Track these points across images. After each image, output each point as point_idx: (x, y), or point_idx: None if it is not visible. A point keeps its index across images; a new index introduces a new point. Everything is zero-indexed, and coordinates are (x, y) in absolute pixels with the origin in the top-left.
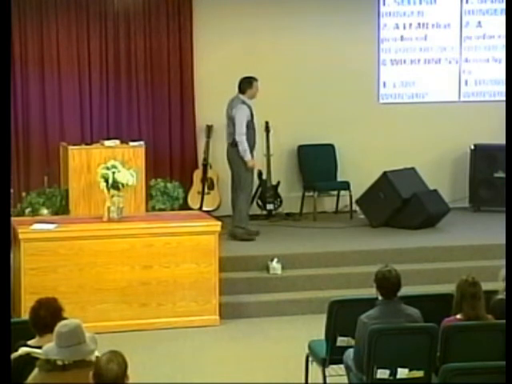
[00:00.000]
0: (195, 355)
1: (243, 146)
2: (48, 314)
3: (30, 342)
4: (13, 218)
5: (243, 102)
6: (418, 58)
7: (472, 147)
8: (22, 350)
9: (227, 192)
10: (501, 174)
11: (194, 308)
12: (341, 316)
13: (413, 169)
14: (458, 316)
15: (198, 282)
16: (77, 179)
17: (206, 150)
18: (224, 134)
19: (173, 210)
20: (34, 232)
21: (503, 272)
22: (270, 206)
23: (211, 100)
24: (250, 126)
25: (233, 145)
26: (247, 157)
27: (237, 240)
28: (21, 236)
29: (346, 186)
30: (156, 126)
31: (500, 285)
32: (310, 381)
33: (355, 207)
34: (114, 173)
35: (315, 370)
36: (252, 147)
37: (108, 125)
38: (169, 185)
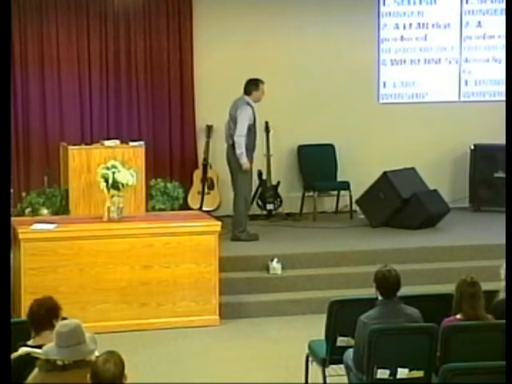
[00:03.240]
0: (195, 355)
1: (240, 148)
2: (43, 311)
3: (29, 343)
4: (13, 218)
5: (248, 104)
6: (418, 58)
7: (472, 147)
8: (22, 350)
9: (227, 192)
10: (501, 174)
11: (194, 308)
12: (341, 316)
13: (413, 169)
14: (458, 316)
15: (198, 282)
16: (77, 179)
17: (206, 150)
18: (224, 134)
19: (173, 209)
20: (34, 232)
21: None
22: (270, 206)
23: (211, 100)
24: (252, 128)
25: (234, 147)
26: (243, 159)
27: (241, 241)
28: (21, 236)
29: (346, 186)
30: (156, 126)
31: (501, 282)
32: (310, 381)
33: (355, 207)
34: (114, 173)
35: (315, 370)
36: (252, 150)
37: (108, 125)
38: (169, 185)
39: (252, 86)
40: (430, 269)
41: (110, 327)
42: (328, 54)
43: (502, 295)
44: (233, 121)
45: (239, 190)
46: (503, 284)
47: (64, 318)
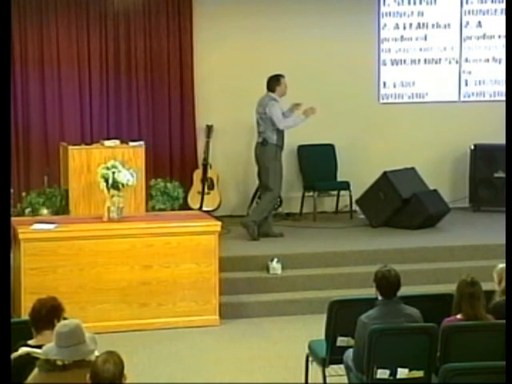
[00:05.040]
0: (195, 355)
1: (291, 123)
2: (44, 311)
3: (29, 342)
4: (13, 218)
5: (274, 99)
6: (418, 57)
7: (472, 147)
8: (22, 350)
9: (227, 192)
10: (501, 174)
11: (194, 308)
12: (341, 316)
13: (413, 169)
14: (458, 316)
15: (198, 282)
16: (77, 179)
17: (206, 150)
18: (224, 134)
19: (173, 209)
20: (34, 232)
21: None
22: None
23: (211, 100)
24: None
25: (263, 144)
26: (300, 119)
27: (247, 230)
28: (21, 236)
29: (346, 186)
30: (156, 126)
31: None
32: (310, 381)
33: (355, 207)
34: (113, 173)
35: (315, 370)
36: (281, 147)
37: (108, 125)
38: (169, 185)
39: (274, 81)
40: (430, 269)
41: (109, 327)
42: (328, 54)
43: (498, 298)
44: (261, 119)
45: (272, 187)
46: (497, 287)
47: (64, 318)
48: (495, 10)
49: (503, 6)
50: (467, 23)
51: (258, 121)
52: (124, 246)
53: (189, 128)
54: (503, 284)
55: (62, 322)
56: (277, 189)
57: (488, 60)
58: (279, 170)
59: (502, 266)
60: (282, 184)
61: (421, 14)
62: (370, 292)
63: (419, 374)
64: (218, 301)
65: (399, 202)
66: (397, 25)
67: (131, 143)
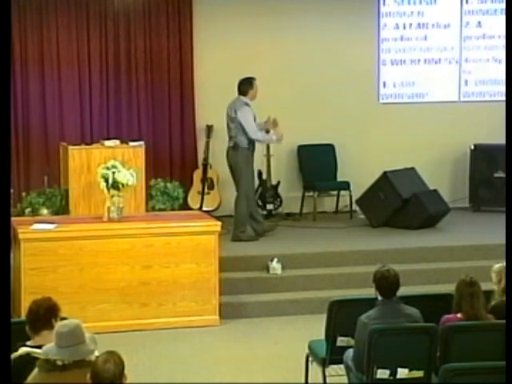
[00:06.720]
0: (195, 355)
1: (263, 137)
2: (42, 311)
3: (28, 343)
4: (13, 218)
5: (246, 104)
6: (418, 57)
7: (472, 147)
8: (22, 350)
9: (227, 192)
10: (501, 174)
11: (194, 308)
12: (341, 316)
13: (413, 169)
14: (459, 315)
15: (198, 282)
16: (77, 179)
17: (206, 150)
18: (224, 134)
19: (173, 209)
20: (34, 232)
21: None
22: (269, 206)
23: (211, 100)
24: None
25: (234, 148)
26: (271, 138)
27: (241, 241)
28: (21, 236)
29: (346, 186)
30: (156, 126)
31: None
32: (310, 381)
33: (355, 207)
34: (114, 173)
35: (315, 370)
36: (252, 150)
37: (108, 125)
38: (169, 185)
39: (246, 85)
40: (430, 269)
41: (110, 327)
42: (328, 54)
43: (497, 298)
44: (232, 123)
45: (241, 191)
46: (496, 287)
47: (64, 318)
48: (495, 10)
49: (503, 5)
50: (467, 23)
51: (229, 124)
52: (124, 246)
53: (189, 128)
54: (503, 283)
55: (62, 322)
56: (248, 192)
57: (488, 60)
58: (251, 175)
59: (500, 265)
60: (253, 187)
61: (421, 14)
62: (370, 292)
63: (419, 373)
64: (218, 301)
65: (399, 202)
66: (397, 25)
67: (131, 143)
